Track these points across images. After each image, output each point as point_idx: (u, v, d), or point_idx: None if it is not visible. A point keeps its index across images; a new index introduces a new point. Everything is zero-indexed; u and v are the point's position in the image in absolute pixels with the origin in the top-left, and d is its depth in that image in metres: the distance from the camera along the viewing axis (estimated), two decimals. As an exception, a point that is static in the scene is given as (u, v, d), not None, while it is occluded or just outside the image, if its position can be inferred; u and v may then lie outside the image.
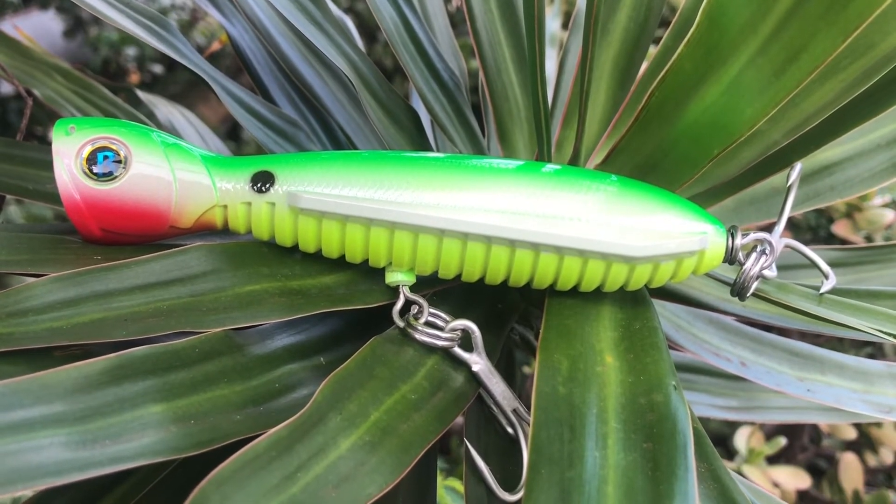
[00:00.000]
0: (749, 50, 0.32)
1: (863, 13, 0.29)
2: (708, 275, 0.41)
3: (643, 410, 0.31)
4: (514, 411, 0.36)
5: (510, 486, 0.34)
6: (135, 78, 1.60)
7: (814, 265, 0.39)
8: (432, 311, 0.36)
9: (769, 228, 0.37)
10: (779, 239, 0.37)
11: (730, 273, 0.42)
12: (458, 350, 0.36)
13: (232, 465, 0.25)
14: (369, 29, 1.63)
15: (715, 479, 0.32)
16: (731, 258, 0.36)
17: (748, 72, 0.33)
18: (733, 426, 1.04)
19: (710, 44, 0.32)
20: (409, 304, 0.37)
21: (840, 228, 1.03)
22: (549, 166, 0.36)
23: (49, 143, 0.34)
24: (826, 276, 0.39)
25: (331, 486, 0.26)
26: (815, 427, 1.17)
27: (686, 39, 0.32)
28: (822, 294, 0.39)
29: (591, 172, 0.36)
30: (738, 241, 0.36)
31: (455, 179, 0.34)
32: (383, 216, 0.34)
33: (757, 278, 0.36)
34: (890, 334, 0.35)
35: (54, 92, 0.62)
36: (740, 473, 0.94)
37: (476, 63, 0.51)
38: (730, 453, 1.04)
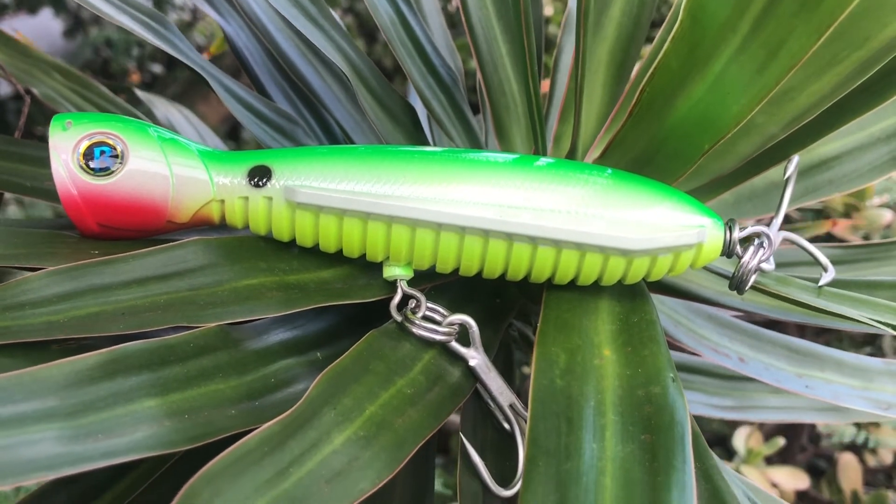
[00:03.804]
0: (730, 47, 0.33)
1: (835, 11, 0.30)
2: (706, 268, 0.41)
3: (641, 402, 0.31)
4: (511, 406, 0.36)
5: (506, 482, 0.34)
6: (135, 78, 1.60)
7: (812, 258, 0.39)
8: (430, 305, 0.36)
9: (768, 223, 0.37)
10: (777, 232, 0.37)
11: (728, 267, 0.42)
12: (455, 344, 0.36)
13: (223, 461, 0.25)
14: (369, 29, 1.63)
15: (706, 479, 0.32)
16: (728, 251, 0.36)
17: (731, 68, 0.33)
18: (732, 426, 1.04)
19: (694, 41, 0.33)
20: (406, 298, 0.36)
21: (838, 229, 1.02)
22: (545, 160, 0.36)
23: (47, 142, 0.34)
24: (825, 269, 0.39)
25: (323, 480, 0.26)
26: (813, 427, 1.16)
27: (671, 36, 0.33)
28: (821, 286, 0.39)
29: (588, 166, 0.36)
30: (736, 233, 0.36)
31: (452, 173, 0.34)
32: (380, 210, 0.34)
33: (755, 271, 0.36)
34: (889, 325, 0.35)
35: (53, 90, 0.62)
36: (739, 474, 0.94)
37: (473, 63, 0.51)
38: (729, 453, 1.04)
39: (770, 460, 1.02)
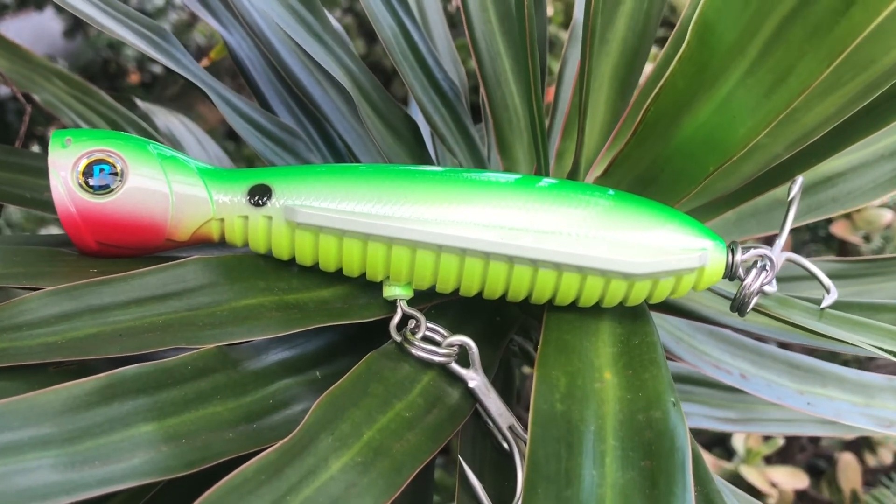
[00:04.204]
0: (739, 70, 0.32)
1: (846, 38, 0.30)
2: (708, 289, 0.41)
3: (641, 428, 0.31)
4: (510, 428, 0.36)
5: (506, 503, 0.34)
6: (135, 78, 1.59)
7: (815, 278, 0.39)
8: (430, 325, 0.36)
9: (771, 241, 0.37)
10: (779, 253, 0.36)
11: (730, 287, 0.42)
12: (454, 366, 0.35)
13: (220, 491, 0.25)
14: (369, 29, 1.62)
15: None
16: (731, 274, 0.36)
17: (739, 91, 0.33)
18: (732, 427, 1.04)
19: (701, 62, 0.33)
20: (406, 318, 0.36)
21: (838, 229, 1.02)
22: (547, 180, 0.36)
23: (48, 144, 0.34)
24: (827, 290, 0.39)
25: (320, 508, 0.26)
26: (813, 428, 1.16)
27: (678, 56, 0.33)
28: (822, 309, 0.39)
29: (590, 187, 0.36)
30: (738, 256, 0.36)
31: (453, 194, 0.34)
32: (381, 231, 0.34)
33: (757, 294, 0.36)
34: (889, 351, 0.35)
35: (53, 96, 0.62)
36: (738, 474, 0.94)
37: (474, 63, 0.50)
38: (728, 453, 1.04)
39: (769, 460, 1.02)
